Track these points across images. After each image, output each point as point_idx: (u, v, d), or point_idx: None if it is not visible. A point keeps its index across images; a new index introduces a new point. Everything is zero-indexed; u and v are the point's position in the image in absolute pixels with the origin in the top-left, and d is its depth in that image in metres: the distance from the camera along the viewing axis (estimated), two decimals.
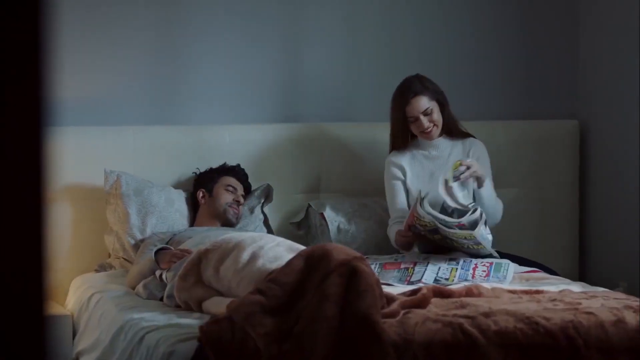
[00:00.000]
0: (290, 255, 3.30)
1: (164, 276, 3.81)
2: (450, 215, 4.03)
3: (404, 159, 4.42)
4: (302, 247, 3.50)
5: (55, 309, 4.26)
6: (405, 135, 4.40)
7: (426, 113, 4.30)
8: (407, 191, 4.40)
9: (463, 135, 4.46)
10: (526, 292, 3.56)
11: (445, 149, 4.42)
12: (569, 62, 5.19)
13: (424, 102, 4.30)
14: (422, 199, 4.01)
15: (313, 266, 3.10)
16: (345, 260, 3.06)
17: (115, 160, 4.49)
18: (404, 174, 4.40)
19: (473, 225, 3.95)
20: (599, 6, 5.05)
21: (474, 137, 4.48)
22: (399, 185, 4.41)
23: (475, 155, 4.39)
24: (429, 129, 4.31)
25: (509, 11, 5.14)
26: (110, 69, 4.62)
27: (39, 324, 1.14)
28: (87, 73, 4.58)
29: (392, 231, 4.33)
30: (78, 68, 4.55)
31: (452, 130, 4.42)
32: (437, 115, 4.33)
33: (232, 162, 4.57)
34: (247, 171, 4.57)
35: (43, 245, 1.14)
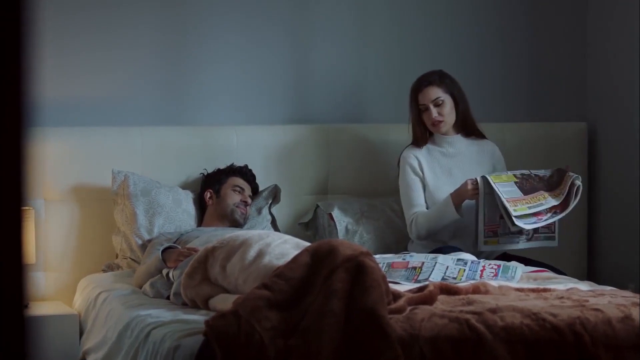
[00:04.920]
0: (297, 252, 3.29)
1: (170, 275, 3.81)
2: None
3: (420, 154, 4.43)
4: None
5: (62, 308, 4.27)
6: (421, 127, 4.42)
7: (437, 104, 4.35)
8: (424, 186, 4.41)
9: (479, 136, 4.48)
10: (533, 290, 3.55)
11: (461, 147, 4.44)
12: (577, 65, 5.18)
13: (435, 92, 4.35)
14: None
15: (319, 261, 3.09)
16: (352, 256, 3.06)
17: (123, 160, 4.49)
18: (422, 169, 4.40)
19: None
20: (608, 9, 5.05)
21: (487, 139, 4.52)
22: (417, 181, 4.41)
23: (497, 157, 4.44)
24: (436, 120, 4.34)
25: (518, 13, 5.14)
26: (118, 69, 4.63)
27: (19, 326, 1.14)
28: (95, 73, 4.59)
29: (418, 221, 4.34)
30: (85, 68, 4.57)
31: (468, 129, 4.45)
32: (448, 110, 4.35)
33: (240, 163, 4.57)
34: (255, 172, 4.57)
35: (22, 247, 1.14)
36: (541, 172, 4.27)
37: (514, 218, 4.13)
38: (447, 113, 4.36)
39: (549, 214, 4.19)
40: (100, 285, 4.17)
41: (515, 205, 4.15)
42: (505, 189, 4.18)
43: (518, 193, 4.18)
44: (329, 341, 2.88)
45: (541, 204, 4.18)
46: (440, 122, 4.36)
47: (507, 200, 4.14)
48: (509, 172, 4.24)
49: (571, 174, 4.21)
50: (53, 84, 4.48)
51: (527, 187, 4.21)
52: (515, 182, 4.20)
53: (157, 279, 3.89)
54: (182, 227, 4.40)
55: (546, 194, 4.20)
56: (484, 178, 4.18)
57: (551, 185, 4.24)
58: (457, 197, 4.24)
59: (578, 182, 4.18)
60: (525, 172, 4.25)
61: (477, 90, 4.95)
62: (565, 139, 5.06)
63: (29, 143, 1.12)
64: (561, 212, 4.20)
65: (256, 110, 4.82)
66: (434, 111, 4.34)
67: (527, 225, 4.16)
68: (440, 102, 4.35)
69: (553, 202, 4.19)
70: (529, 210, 4.16)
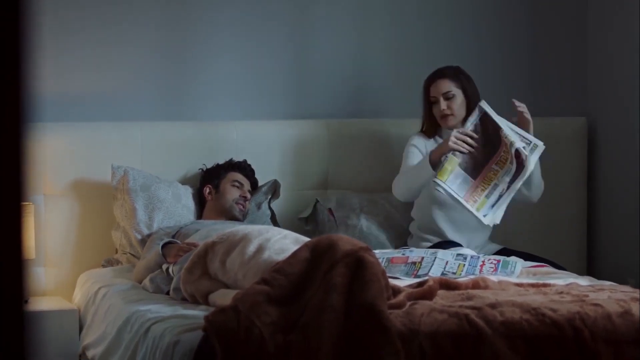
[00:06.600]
0: (296, 248, 3.29)
1: (170, 270, 3.82)
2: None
3: (428, 143, 4.42)
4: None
5: (62, 303, 4.27)
6: (431, 120, 4.41)
7: (447, 97, 4.34)
8: None
9: None
10: (533, 285, 3.55)
11: None
12: (577, 60, 5.18)
13: (446, 85, 4.35)
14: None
15: (319, 257, 3.09)
16: (351, 251, 3.06)
17: (123, 155, 4.49)
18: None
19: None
20: (608, 4, 5.04)
21: None
22: (419, 155, 4.37)
23: None
24: (445, 113, 4.33)
25: (518, 8, 5.13)
26: (118, 65, 4.63)
27: (19, 321, 1.14)
28: (95, 69, 4.59)
29: (398, 180, 4.35)
30: (85, 64, 4.57)
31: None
32: (458, 104, 4.34)
33: (239, 158, 4.56)
34: (254, 167, 4.57)
35: (22, 242, 1.14)
36: (472, 121, 4.21)
37: (482, 218, 4.13)
38: (457, 107, 4.34)
39: (509, 188, 4.16)
40: (99, 280, 4.17)
41: (475, 201, 4.13)
42: (457, 182, 4.14)
43: (468, 181, 4.16)
44: (329, 336, 2.88)
45: (496, 185, 4.15)
46: (449, 115, 4.34)
47: (465, 201, 4.12)
48: (448, 156, 4.18)
49: (505, 134, 4.16)
50: (53, 80, 4.48)
51: (470, 165, 4.18)
52: (459, 165, 4.16)
53: (157, 274, 3.89)
54: (181, 222, 4.39)
55: (496, 168, 4.16)
56: (435, 182, 4.14)
57: (488, 140, 4.20)
58: (435, 151, 4.21)
59: (518, 145, 4.14)
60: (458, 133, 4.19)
61: (477, 84, 4.94)
62: (565, 134, 5.06)
63: (28, 139, 1.12)
64: (519, 175, 4.14)
65: (256, 105, 4.82)
66: (443, 104, 4.33)
67: (497, 215, 4.14)
68: (451, 95, 4.34)
69: (507, 178, 4.14)
70: (489, 200, 4.14)
